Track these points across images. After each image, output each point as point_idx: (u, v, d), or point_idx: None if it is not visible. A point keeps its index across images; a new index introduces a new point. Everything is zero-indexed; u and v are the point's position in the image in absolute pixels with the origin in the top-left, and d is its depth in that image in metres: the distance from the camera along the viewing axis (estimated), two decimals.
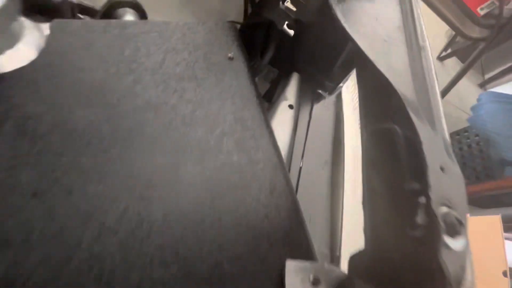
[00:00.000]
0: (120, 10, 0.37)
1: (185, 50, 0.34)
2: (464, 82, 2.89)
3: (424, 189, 0.26)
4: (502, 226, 1.56)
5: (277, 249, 0.30)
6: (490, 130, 2.12)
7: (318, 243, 0.59)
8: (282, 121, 0.77)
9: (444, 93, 2.76)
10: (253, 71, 0.83)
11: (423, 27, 0.41)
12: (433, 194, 0.25)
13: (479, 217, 1.81)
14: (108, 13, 0.37)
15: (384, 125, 0.31)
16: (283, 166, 0.35)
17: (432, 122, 0.31)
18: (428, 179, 0.26)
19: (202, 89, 0.33)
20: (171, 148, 0.30)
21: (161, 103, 0.31)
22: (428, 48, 0.38)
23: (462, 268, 0.24)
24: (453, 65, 3.19)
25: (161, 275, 0.25)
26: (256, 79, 0.99)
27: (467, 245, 0.25)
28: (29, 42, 0.28)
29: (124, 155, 0.27)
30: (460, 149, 2.54)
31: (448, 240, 0.24)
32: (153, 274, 0.25)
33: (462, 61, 3.12)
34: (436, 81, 0.35)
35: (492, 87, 3.08)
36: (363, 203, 0.31)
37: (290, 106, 0.80)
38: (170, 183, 0.28)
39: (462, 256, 0.24)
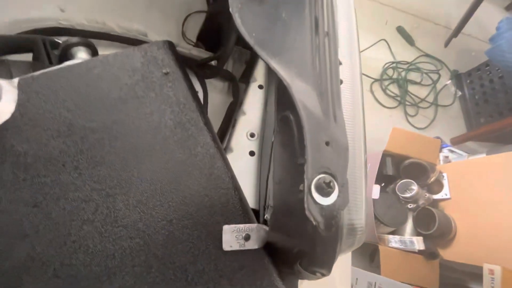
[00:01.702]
0: (74, 49, 0.46)
1: (125, 76, 0.43)
2: (486, 9, 2.58)
3: (304, 164, 0.33)
4: None
5: (217, 218, 0.41)
6: (510, 60, 1.94)
7: None
8: (253, 102, 0.85)
9: (462, 24, 2.49)
10: (223, 57, 0.88)
11: (335, 11, 0.44)
12: (310, 166, 0.33)
13: (497, 155, 1.76)
14: (64, 54, 0.46)
15: (284, 113, 0.38)
16: (220, 154, 0.44)
17: (326, 106, 0.37)
18: (306, 155, 0.33)
19: (144, 105, 0.43)
20: (127, 154, 0.41)
21: (112, 123, 0.41)
22: (336, 35, 0.42)
23: (333, 217, 0.33)
24: None
25: (128, 245, 0.37)
26: (231, 62, 1.04)
27: (337, 201, 0.33)
28: (8, 99, 0.39)
29: (93, 165, 0.39)
30: (482, 85, 2.37)
31: (318, 198, 0.32)
32: (123, 244, 0.37)
33: None
34: (338, 68, 0.40)
35: None
36: (273, 177, 0.39)
37: (260, 87, 0.86)
38: (129, 180, 0.40)
39: (331, 209, 0.33)
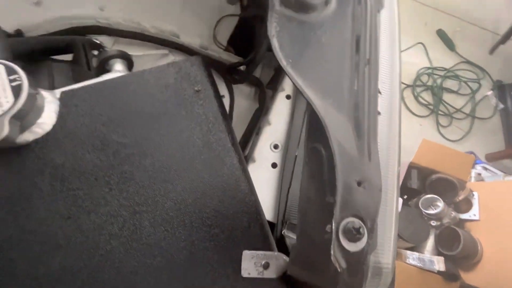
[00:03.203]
0: (112, 61, 0.48)
1: (158, 92, 0.43)
2: None
3: (333, 204, 0.32)
4: None
5: (237, 242, 0.41)
6: None
7: None
8: (279, 112, 0.83)
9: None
10: (253, 64, 0.87)
11: (378, 34, 0.41)
12: (339, 208, 0.32)
13: None
14: (102, 65, 0.47)
15: (315, 144, 0.37)
16: (245, 177, 0.44)
17: (361, 142, 0.35)
18: (336, 196, 0.32)
19: (174, 123, 0.43)
20: (155, 172, 0.41)
21: (142, 139, 0.42)
22: (377, 62, 0.39)
23: (359, 263, 0.31)
24: None
25: (151, 262, 0.38)
26: (260, 67, 1.02)
27: (365, 247, 0.31)
28: (50, 110, 0.40)
29: (123, 180, 0.40)
30: None
31: (346, 243, 0.31)
32: (147, 261, 0.38)
33: None
34: (376, 99, 0.38)
35: None
36: (299, 207, 0.38)
37: (287, 97, 0.84)
38: (155, 198, 0.41)
39: (358, 255, 0.31)
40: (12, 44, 0.51)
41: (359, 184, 0.34)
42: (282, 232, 0.64)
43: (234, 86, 0.95)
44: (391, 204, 0.38)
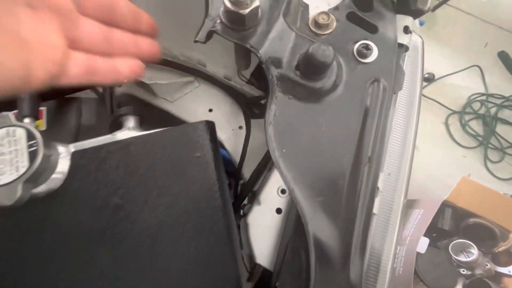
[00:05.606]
0: (123, 118, 0.51)
1: (160, 156, 0.45)
2: None
3: None
4: None
5: None
6: None
7: None
8: None
9: None
10: None
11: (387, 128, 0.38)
12: None
13: None
14: (116, 120, 0.51)
15: (296, 244, 0.35)
16: (231, 250, 0.44)
17: (347, 255, 0.33)
18: None
19: (171, 186, 0.45)
20: (145, 236, 0.43)
21: (140, 202, 0.44)
22: (380, 157, 0.36)
23: None
24: None
25: None
26: None
27: None
28: (63, 165, 0.44)
29: (117, 234, 0.42)
30: None
31: None
32: None
33: None
34: (377, 199, 0.35)
35: None
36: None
37: None
38: (140, 265, 0.42)
39: None
40: None
41: None
42: (276, 284, 0.63)
43: (253, 120, 0.95)
44: None
